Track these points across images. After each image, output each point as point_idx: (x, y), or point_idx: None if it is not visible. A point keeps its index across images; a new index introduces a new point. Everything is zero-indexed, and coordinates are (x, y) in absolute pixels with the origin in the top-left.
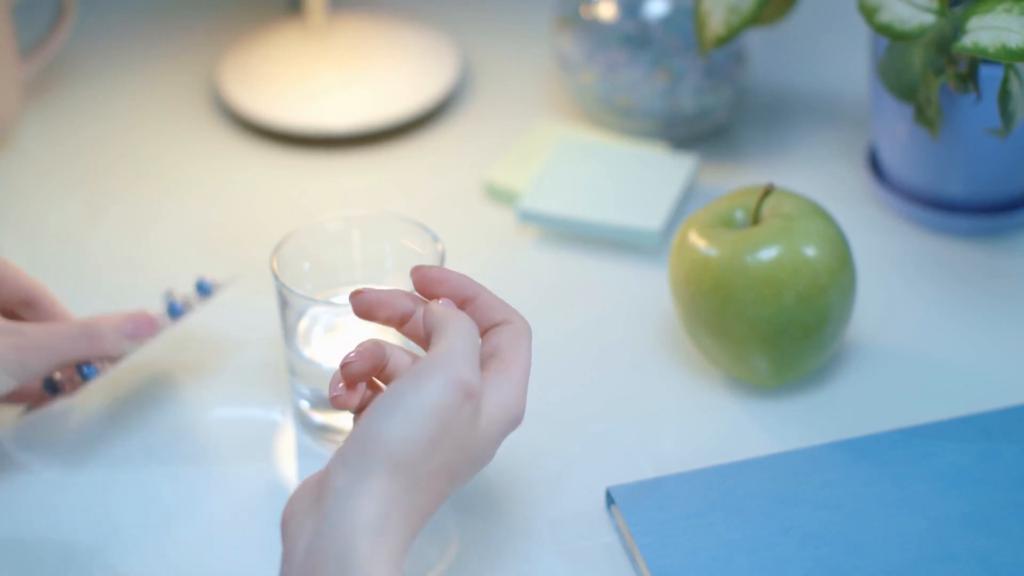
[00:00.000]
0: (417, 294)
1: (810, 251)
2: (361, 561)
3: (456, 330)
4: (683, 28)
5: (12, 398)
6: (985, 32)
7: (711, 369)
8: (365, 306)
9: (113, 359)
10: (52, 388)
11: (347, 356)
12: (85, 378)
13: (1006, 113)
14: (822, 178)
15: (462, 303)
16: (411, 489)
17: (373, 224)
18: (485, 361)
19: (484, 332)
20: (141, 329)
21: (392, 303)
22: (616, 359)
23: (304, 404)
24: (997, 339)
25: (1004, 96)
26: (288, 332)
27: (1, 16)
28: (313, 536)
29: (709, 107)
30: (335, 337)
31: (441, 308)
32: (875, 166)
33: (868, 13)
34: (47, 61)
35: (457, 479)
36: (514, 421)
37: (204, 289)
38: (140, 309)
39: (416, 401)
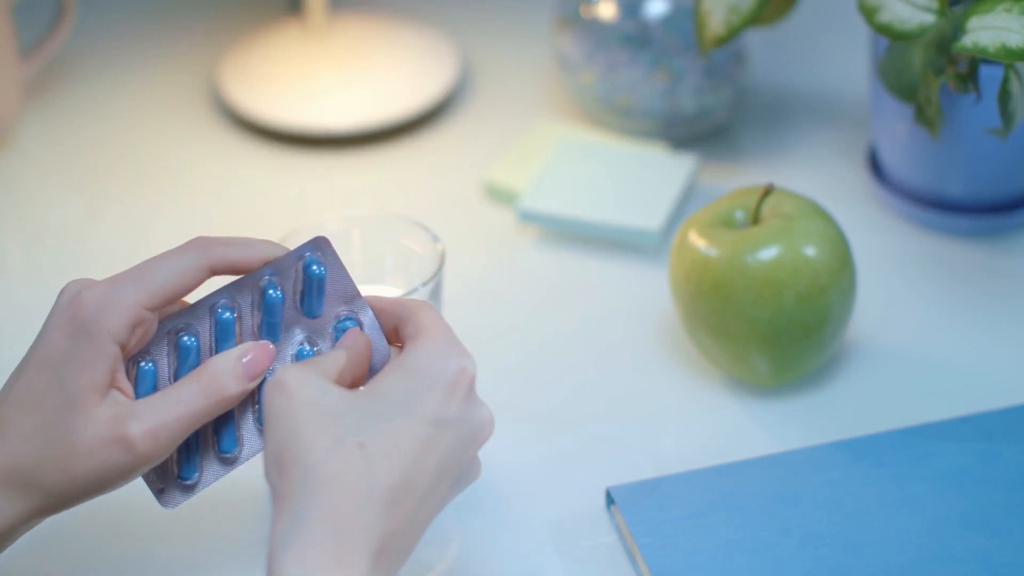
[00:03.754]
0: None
1: (810, 251)
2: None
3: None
4: (683, 28)
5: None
6: (985, 32)
7: (711, 369)
8: None
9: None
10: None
11: None
12: (228, 453)
13: (1006, 113)
14: (822, 178)
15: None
16: (314, 489)
17: (373, 224)
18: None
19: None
20: (259, 362)
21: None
22: (616, 359)
23: None
24: (997, 339)
25: (1004, 96)
26: None
27: (1, 16)
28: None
29: (709, 107)
30: None
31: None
32: (875, 166)
33: (868, 13)
34: (47, 61)
35: (372, 460)
36: (456, 374)
37: None
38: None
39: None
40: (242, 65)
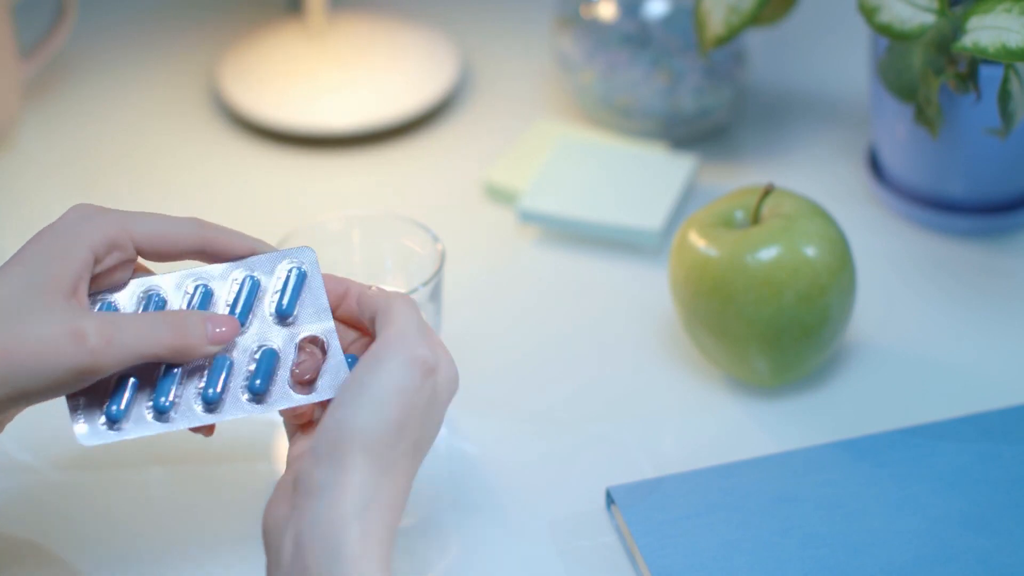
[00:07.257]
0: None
1: (810, 251)
2: (352, 548)
3: (401, 310)
4: (683, 28)
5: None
6: (985, 32)
7: (711, 369)
8: None
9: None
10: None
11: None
12: (161, 412)
13: (1006, 113)
14: (822, 178)
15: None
16: (387, 472)
17: (373, 224)
18: None
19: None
20: (225, 328)
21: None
22: (616, 359)
23: None
24: (997, 339)
25: (1004, 96)
26: None
27: (1, 16)
28: (299, 534)
29: (709, 107)
30: None
31: (380, 290)
32: (875, 166)
33: (868, 13)
34: (47, 61)
35: (420, 453)
36: (455, 386)
37: None
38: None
39: (380, 387)
40: (242, 65)
